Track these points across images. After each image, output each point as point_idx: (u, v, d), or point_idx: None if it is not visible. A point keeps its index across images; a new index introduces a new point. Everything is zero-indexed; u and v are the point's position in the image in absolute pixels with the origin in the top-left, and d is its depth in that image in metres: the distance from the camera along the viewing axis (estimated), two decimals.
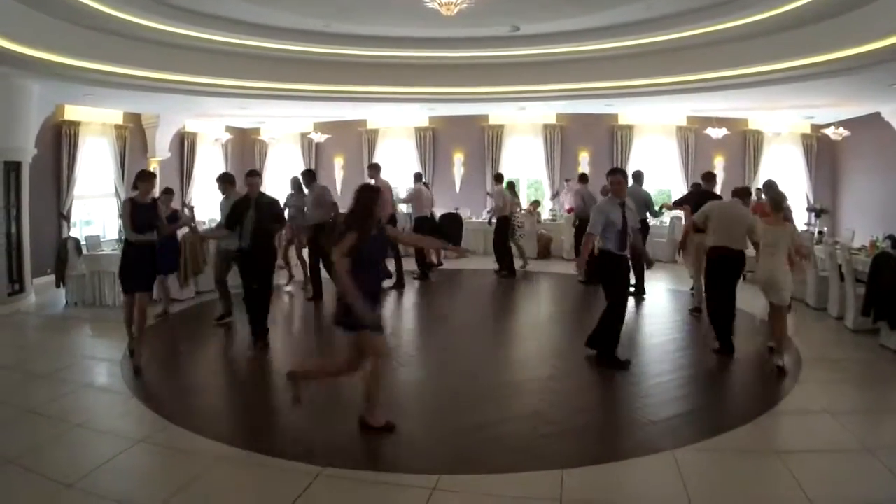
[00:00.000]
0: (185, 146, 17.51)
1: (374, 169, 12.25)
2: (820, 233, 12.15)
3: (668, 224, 15.25)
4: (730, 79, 12.03)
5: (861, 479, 4.57)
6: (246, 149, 20.14)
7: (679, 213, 13.11)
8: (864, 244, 9.95)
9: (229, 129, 18.96)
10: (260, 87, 13.26)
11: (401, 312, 10.89)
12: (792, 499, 4.25)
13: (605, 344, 7.28)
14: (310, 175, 11.35)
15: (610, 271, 7.22)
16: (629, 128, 17.72)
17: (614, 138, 17.74)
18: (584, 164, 17.79)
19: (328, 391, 6.21)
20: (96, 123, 14.13)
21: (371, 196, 5.31)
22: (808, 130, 17.31)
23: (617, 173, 7.26)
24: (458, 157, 18.50)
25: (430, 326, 10.01)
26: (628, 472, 4.74)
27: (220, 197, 9.53)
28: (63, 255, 10.81)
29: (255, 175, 8.43)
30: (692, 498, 4.25)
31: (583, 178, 13.95)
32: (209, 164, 18.12)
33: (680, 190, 17.24)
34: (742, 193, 8.21)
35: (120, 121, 14.89)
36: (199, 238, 9.65)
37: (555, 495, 4.33)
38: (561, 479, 4.53)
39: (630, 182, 9.14)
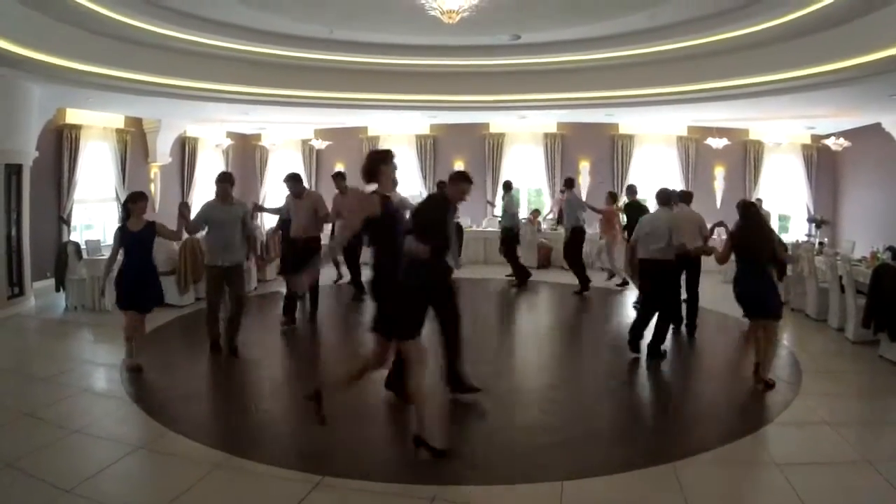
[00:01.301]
0: (186, 151, 17.52)
1: (341, 178, 11.53)
2: (821, 244, 12.16)
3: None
4: (730, 89, 12.05)
5: (861, 492, 4.56)
6: (247, 155, 20.15)
7: None
8: (865, 255, 9.96)
9: (230, 134, 18.97)
10: (262, 94, 13.26)
11: None
12: None
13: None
14: (296, 181, 9.59)
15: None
16: (630, 137, 17.74)
17: (615, 148, 17.75)
18: (584, 173, 17.83)
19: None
20: (97, 127, 14.13)
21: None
22: (808, 141, 17.33)
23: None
24: (459, 166, 18.41)
25: (430, 335, 9.99)
26: (629, 483, 4.72)
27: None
28: (63, 259, 10.81)
29: (465, 180, 6.50)
30: None
31: (507, 186, 14.03)
32: (210, 169, 18.13)
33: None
34: (663, 199, 8.46)
35: (121, 125, 14.89)
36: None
37: None
38: (561, 489, 4.52)
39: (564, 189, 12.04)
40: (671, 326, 8.22)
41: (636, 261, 8.40)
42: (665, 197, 8.29)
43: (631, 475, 4.81)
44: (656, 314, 7.93)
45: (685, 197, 9.62)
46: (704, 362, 8.13)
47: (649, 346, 7.91)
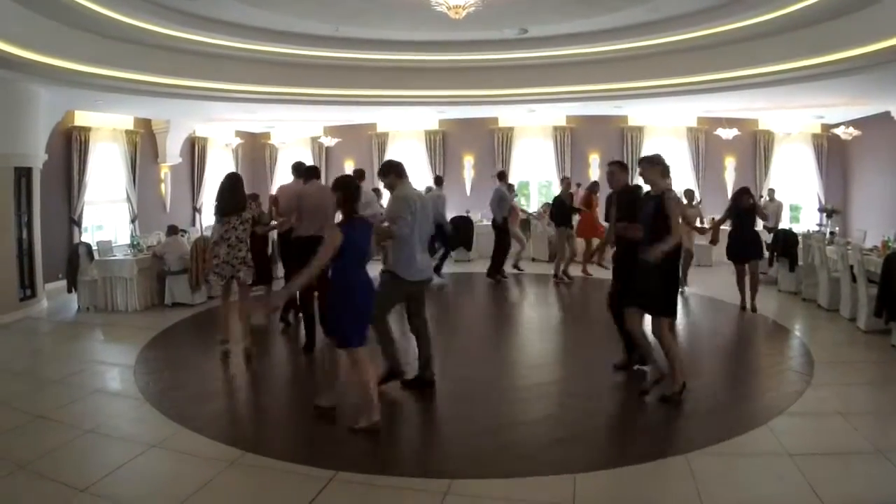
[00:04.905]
0: (195, 151, 17.56)
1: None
2: (832, 233, 12.08)
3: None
4: (740, 79, 12.00)
5: (874, 482, 4.53)
6: (256, 153, 20.19)
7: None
8: (876, 244, 9.88)
9: (239, 133, 19.02)
10: (270, 92, 13.29)
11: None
12: (805, 501, 4.22)
13: None
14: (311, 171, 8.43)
15: None
16: (639, 129, 17.69)
17: (624, 140, 17.71)
18: (594, 165, 17.79)
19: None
20: (106, 129, 14.19)
21: None
22: (818, 130, 17.23)
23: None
24: (468, 160, 18.50)
25: (441, 330, 10.00)
26: (641, 476, 4.71)
27: None
28: (75, 261, 10.86)
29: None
30: (705, 502, 4.23)
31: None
32: (220, 168, 18.16)
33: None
34: None
35: (130, 126, 14.94)
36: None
37: (567, 500, 4.31)
38: (574, 483, 4.51)
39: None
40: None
41: None
42: None
43: (644, 467, 4.80)
44: None
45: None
46: (714, 354, 8.09)
47: None
